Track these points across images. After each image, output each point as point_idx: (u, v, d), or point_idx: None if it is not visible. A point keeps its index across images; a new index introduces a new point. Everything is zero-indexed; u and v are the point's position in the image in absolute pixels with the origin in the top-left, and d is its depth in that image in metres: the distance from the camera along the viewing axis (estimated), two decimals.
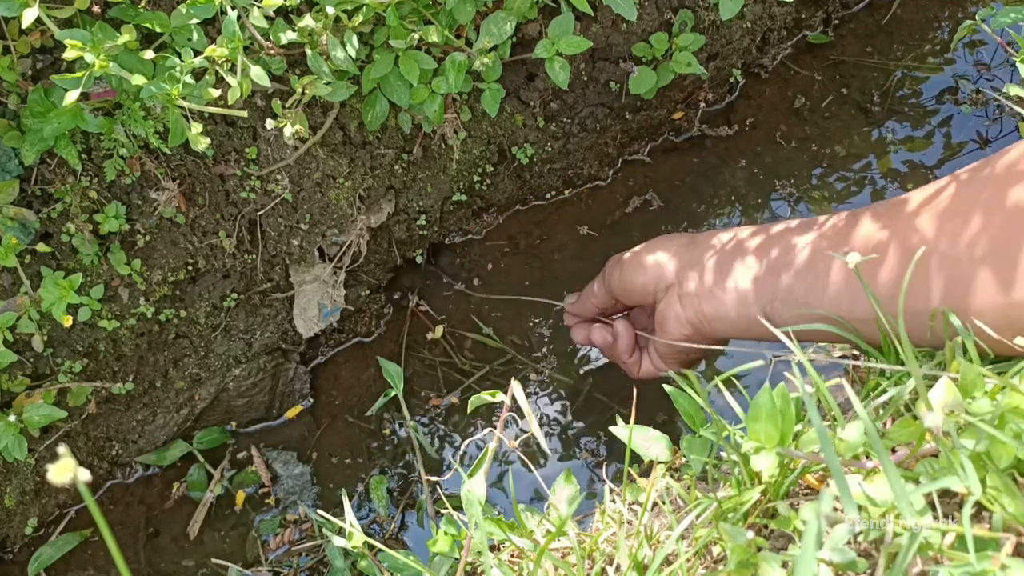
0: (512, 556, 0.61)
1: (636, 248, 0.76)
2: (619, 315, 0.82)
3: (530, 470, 0.84)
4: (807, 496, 0.53)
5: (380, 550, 0.66)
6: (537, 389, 0.90)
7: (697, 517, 0.52)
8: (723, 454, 0.57)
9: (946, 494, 0.45)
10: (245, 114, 0.66)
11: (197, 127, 0.63)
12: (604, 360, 0.90)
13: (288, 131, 0.69)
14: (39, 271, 0.71)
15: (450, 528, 0.63)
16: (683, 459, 0.61)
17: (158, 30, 0.64)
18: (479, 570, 0.64)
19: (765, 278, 0.65)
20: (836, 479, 0.38)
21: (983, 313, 0.51)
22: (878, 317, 0.55)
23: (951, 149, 0.96)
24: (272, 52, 0.68)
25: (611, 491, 0.62)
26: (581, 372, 0.91)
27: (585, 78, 0.85)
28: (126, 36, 0.60)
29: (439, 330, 0.93)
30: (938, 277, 0.53)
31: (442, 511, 0.80)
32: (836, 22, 1.04)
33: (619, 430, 0.62)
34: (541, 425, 0.88)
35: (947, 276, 0.53)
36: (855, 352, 0.65)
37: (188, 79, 0.62)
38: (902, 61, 1.02)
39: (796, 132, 0.99)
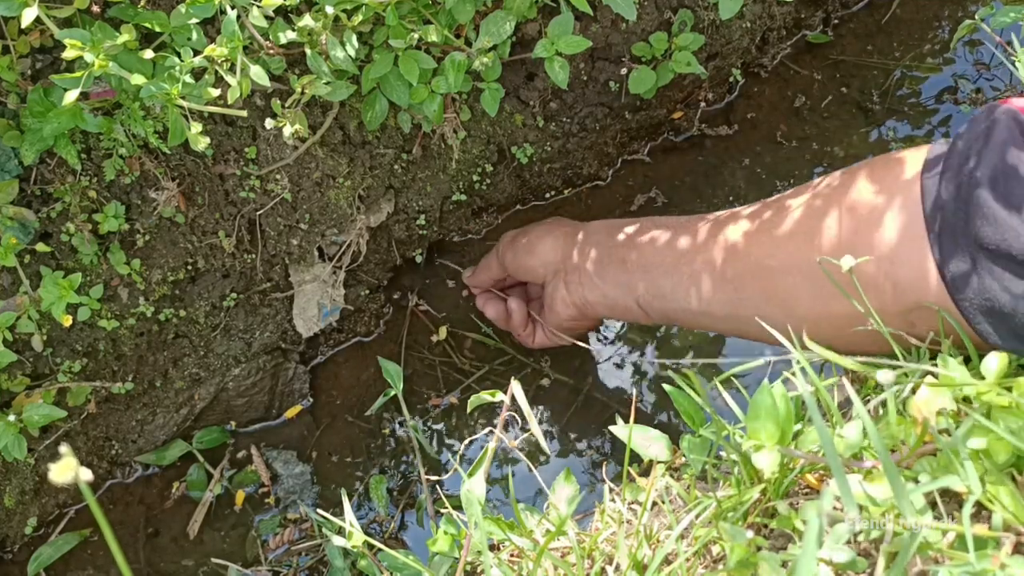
0: (512, 556, 0.61)
1: (528, 230, 0.82)
2: (514, 288, 0.88)
3: (531, 470, 0.84)
4: (806, 495, 0.53)
5: (380, 550, 0.66)
6: (537, 389, 0.90)
7: (697, 516, 0.52)
8: (723, 454, 0.57)
9: (946, 493, 0.45)
10: (244, 114, 0.65)
11: (197, 127, 0.63)
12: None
13: (287, 131, 0.68)
14: (39, 271, 0.71)
15: (450, 528, 0.63)
16: (683, 459, 0.61)
17: (158, 30, 0.64)
18: (479, 570, 0.64)
19: (638, 271, 0.72)
20: (837, 478, 0.38)
21: (806, 318, 0.58)
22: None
23: None
24: (272, 52, 0.68)
25: (611, 490, 0.62)
26: (581, 372, 0.91)
27: (585, 78, 0.85)
28: (126, 36, 0.60)
29: (443, 331, 0.93)
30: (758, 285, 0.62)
31: (442, 511, 0.80)
32: (836, 22, 1.04)
33: (619, 430, 0.62)
34: (541, 425, 0.88)
35: (781, 285, 0.61)
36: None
37: (188, 79, 0.62)
38: (902, 61, 1.01)
39: (796, 132, 0.99)
